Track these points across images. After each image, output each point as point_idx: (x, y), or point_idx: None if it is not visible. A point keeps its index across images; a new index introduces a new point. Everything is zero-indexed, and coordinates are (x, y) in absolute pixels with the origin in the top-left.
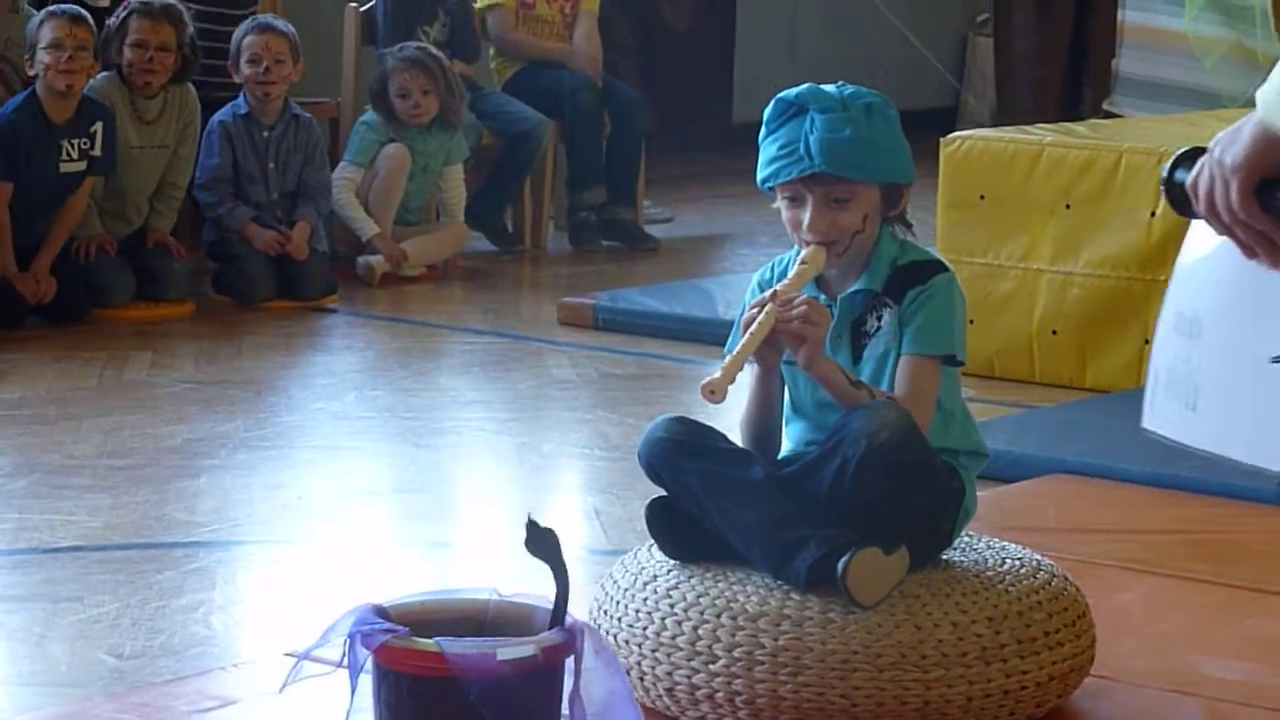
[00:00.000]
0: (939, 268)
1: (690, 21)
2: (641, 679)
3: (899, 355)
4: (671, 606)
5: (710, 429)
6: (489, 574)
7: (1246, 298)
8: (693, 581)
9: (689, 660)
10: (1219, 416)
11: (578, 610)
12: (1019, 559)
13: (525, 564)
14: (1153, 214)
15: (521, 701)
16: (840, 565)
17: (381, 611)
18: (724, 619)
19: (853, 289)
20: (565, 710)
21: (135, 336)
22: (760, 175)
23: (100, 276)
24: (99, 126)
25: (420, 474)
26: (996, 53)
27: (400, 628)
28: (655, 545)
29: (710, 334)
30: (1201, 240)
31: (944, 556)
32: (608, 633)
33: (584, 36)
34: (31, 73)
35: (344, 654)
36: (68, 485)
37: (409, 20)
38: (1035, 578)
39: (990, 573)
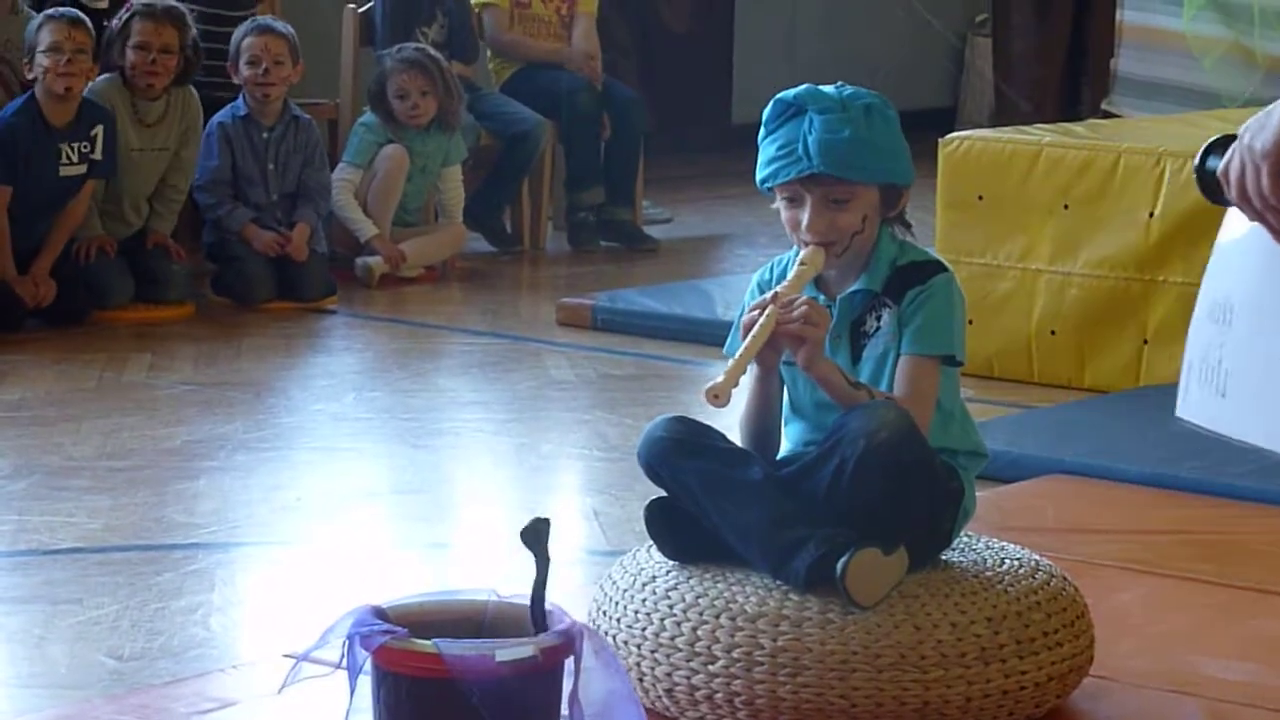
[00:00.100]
0: (938, 268)
1: (689, 22)
2: (641, 680)
3: (898, 355)
4: (670, 607)
5: (710, 429)
6: (488, 575)
7: (1277, 283)
8: (692, 582)
9: (688, 661)
10: (1248, 403)
11: (577, 612)
12: (1018, 559)
13: (524, 565)
14: (1151, 214)
15: (521, 703)
16: (839, 565)
17: (380, 613)
18: (723, 619)
19: (852, 289)
20: (565, 711)
21: (134, 338)
22: (759, 176)
23: (100, 278)
24: (99, 130)
25: (419, 475)
26: (995, 53)
27: (399, 629)
28: (654, 546)
29: (709, 335)
30: (1236, 227)
31: (943, 557)
32: (607, 634)
33: (582, 38)
34: (30, 76)
35: (343, 655)
36: (67, 487)
37: (407, 21)
38: (1034, 578)
39: (989, 573)
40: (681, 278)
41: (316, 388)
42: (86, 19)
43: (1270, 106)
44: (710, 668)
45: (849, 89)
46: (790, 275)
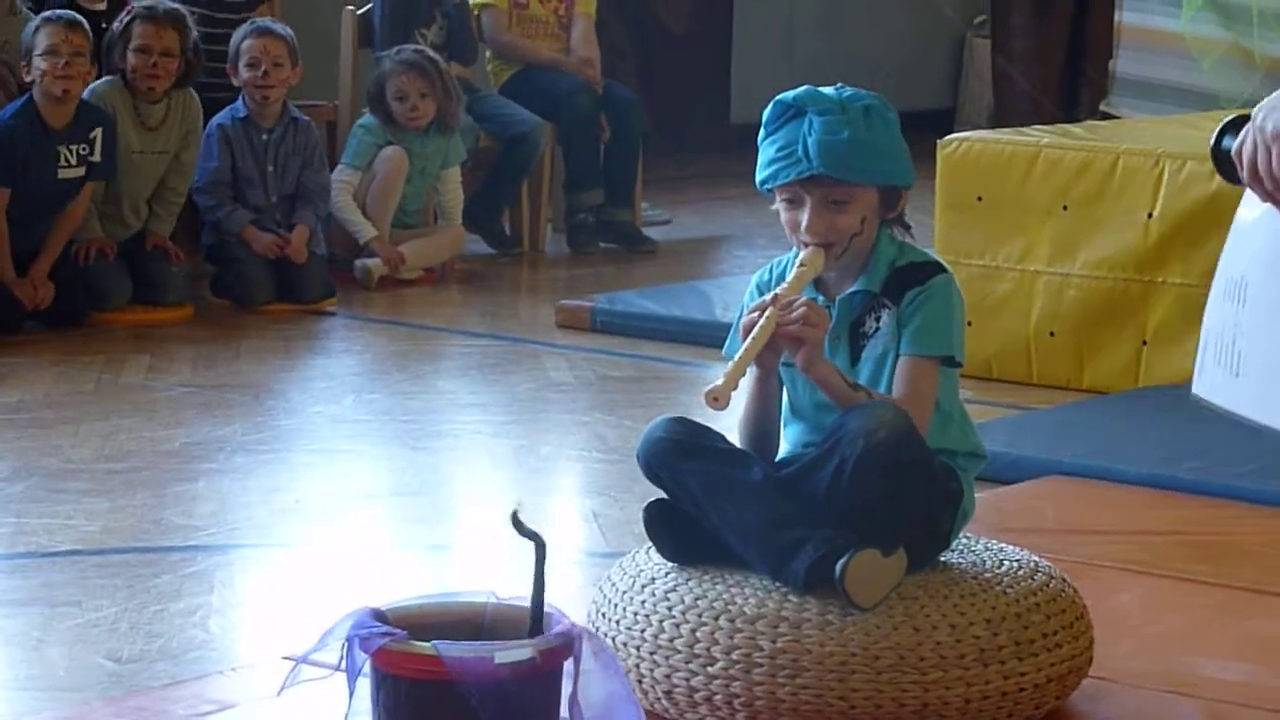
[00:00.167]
0: (937, 269)
1: (688, 23)
2: (640, 682)
3: (897, 356)
4: (670, 609)
5: (709, 430)
6: (487, 577)
7: None
8: (691, 584)
9: (687, 663)
10: (1262, 381)
11: (576, 613)
12: (1017, 560)
13: (523, 566)
14: (1150, 215)
15: (520, 704)
16: (838, 567)
17: (379, 615)
18: (722, 621)
19: (851, 290)
20: (564, 713)
21: (133, 340)
22: (759, 177)
23: (98, 280)
24: (99, 132)
25: (418, 477)
26: (994, 53)
27: (398, 631)
28: (653, 547)
29: (708, 336)
30: (1253, 206)
31: (942, 558)
32: (606, 635)
33: (581, 40)
34: (28, 79)
35: (342, 657)
36: (65, 489)
37: (406, 23)
38: (1033, 579)
39: (988, 574)
40: (680, 279)
41: (315, 390)
42: (84, 21)
43: None
44: (709, 669)
45: (848, 90)
46: (789, 276)
